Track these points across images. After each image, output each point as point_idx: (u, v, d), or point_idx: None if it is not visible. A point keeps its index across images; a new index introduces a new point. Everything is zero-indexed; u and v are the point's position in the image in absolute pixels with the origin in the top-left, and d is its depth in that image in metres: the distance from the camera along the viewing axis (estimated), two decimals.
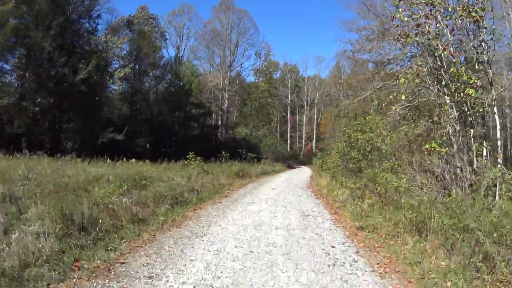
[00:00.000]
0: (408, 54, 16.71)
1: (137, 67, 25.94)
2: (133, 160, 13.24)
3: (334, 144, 17.61)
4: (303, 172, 25.96)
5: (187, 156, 14.47)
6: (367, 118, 10.92)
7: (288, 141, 55.09)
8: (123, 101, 24.98)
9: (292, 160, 45.26)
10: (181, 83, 27.09)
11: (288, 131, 55.53)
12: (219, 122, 35.10)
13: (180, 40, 36.24)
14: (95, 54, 20.86)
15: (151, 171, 12.03)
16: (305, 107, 55.26)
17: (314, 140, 53.16)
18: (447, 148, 7.94)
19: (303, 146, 53.41)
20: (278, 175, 21.66)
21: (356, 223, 6.64)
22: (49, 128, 21.33)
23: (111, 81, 21.45)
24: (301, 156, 49.72)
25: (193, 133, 28.73)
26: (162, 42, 32.98)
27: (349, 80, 44.25)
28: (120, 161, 14.79)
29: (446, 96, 8.72)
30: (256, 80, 36.58)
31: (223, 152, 16.67)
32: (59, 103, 21.26)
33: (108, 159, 14.51)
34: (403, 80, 8.60)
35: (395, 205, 7.20)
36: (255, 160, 22.32)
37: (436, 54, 8.89)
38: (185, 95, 26.93)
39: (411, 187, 7.76)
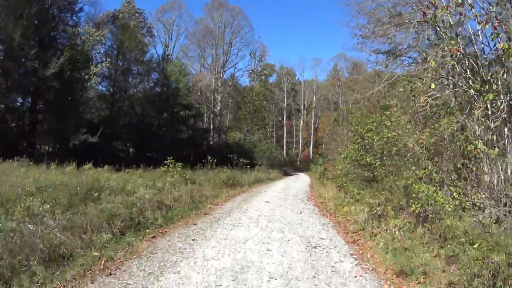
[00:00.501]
0: (425, 42, 14.38)
1: (120, 63, 23.63)
2: (89, 165, 10.82)
3: (340, 148, 15.39)
4: (301, 180, 23.64)
5: (165, 162, 12.10)
6: (387, 113, 8.66)
7: (284, 147, 52.80)
8: (102, 101, 22.59)
9: (288, 167, 42.97)
10: (168, 83, 24.77)
11: (284, 136, 53.32)
12: (211, 126, 32.77)
13: (169, 38, 34.04)
14: (68, 46, 18.54)
15: (115, 179, 9.68)
16: (302, 112, 53.19)
17: (311, 146, 51.03)
18: (495, 150, 5.77)
19: (300, 152, 51.20)
20: (273, 183, 19.33)
21: (392, 264, 4.33)
22: (22, 130, 18.97)
23: (87, 77, 19.04)
24: (298, 163, 47.49)
25: (182, 137, 26.33)
26: (150, 39, 30.73)
27: (349, 82, 42.29)
28: (91, 166, 12.50)
29: (486, 86, 6.65)
30: (251, 82, 34.40)
31: (209, 158, 14.31)
32: (32, 102, 18.97)
33: (76, 164, 12.19)
34: (433, 62, 6.55)
35: (443, 231, 4.94)
36: (248, 166, 20.01)
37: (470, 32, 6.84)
38: (172, 95, 24.60)
39: (462, 205, 5.52)
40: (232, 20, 34.79)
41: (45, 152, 20.99)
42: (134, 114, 24.27)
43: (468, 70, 7.20)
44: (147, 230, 5.95)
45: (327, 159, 21.96)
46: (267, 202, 10.11)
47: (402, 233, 5.43)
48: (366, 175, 8.86)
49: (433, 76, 7.65)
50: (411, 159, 6.94)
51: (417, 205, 5.79)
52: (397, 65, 13.18)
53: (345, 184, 10.19)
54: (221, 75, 34.42)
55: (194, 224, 6.47)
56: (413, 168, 6.87)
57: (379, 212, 6.81)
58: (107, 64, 20.64)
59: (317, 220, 7.40)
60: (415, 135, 7.29)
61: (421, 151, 6.31)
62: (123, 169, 14.02)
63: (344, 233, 6.20)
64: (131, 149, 24.75)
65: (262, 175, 21.42)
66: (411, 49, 13.07)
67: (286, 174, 30.20)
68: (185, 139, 26.57)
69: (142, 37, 26.85)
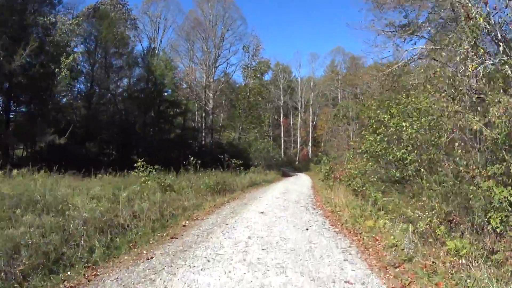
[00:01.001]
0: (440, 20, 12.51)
1: (99, 57, 21.34)
2: (15, 171, 8.57)
3: (353, 142, 13.22)
4: (302, 181, 21.42)
5: (135, 165, 9.84)
6: (416, 94, 6.44)
7: (282, 146, 50.61)
8: (78, 98, 20.28)
9: (287, 167, 40.77)
10: (154, 78, 22.49)
11: (282, 135, 51.13)
12: (203, 125, 30.51)
13: (155, 31, 31.77)
14: (36, 37, 16.31)
15: (66, 188, 7.42)
16: (300, 109, 51.01)
17: (310, 145, 48.88)
18: None
19: (298, 151, 49.02)
20: (270, 186, 17.13)
21: None
22: None
23: (57, 70, 16.73)
24: (297, 162, 45.31)
25: (169, 137, 24.03)
26: (135, 33, 28.46)
27: (348, 76, 40.21)
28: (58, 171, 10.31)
29: None
30: (245, 78, 32.09)
31: (192, 159, 12.03)
32: (4, 100, 16.84)
33: (44, 169, 10.02)
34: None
35: None
36: (242, 168, 17.75)
37: None
38: (158, 92, 22.33)
39: None
40: (223, 13, 32.58)
41: (20, 156, 18.77)
42: (116, 112, 21.97)
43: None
44: (68, 273, 3.69)
45: (331, 157, 19.74)
46: (262, 213, 7.87)
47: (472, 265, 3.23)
48: (394, 174, 6.62)
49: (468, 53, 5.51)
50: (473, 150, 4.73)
51: (498, 220, 3.61)
52: (412, 43, 11.10)
53: (363, 188, 7.95)
54: (213, 70, 32.16)
55: (148, 259, 4.21)
56: (470, 162, 4.69)
57: (423, 228, 4.61)
58: (81, 56, 18.34)
59: (333, 242, 5.16)
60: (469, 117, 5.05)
61: (494, 135, 4.08)
62: (93, 174, 11.77)
63: (380, 269, 3.96)
64: (113, 151, 22.44)
65: (258, 177, 19.19)
66: (426, 25, 10.99)
67: (285, 175, 27.98)
68: (173, 140, 24.28)
69: (125, 30, 24.59)
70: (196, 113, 32.36)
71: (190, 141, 26.16)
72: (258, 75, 57.76)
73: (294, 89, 53.68)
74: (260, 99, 33.90)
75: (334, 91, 47.03)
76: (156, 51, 26.80)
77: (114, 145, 21.98)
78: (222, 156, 16.11)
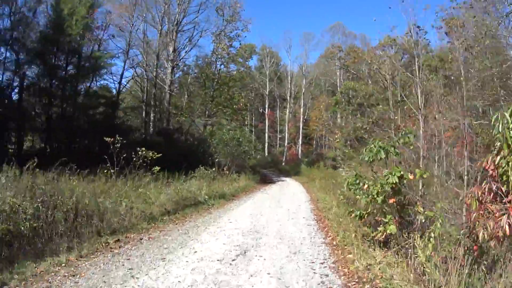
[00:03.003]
0: None
1: None
2: None
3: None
4: (291, 194, 12.77)
5: None
6: None
7: (266, 144, 42.02)
8: None
9: (270, 169, 32.15)
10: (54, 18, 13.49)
11: (266, 130, 42.56)
12: (153, 108, 21.59)
13: None
14: None
15: None
16: (288, 100, 42.45)
17: (299, 143, 40.31)
18: None
19: (286, 150, 40.40)
20: (234, 206, 8.60)
21: None
22: None
23: None
24: (283, 163, 36.71)
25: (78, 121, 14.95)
26: None
27: (352, 50, 31.89)
28: None
29: None
30: (215, 49, 22.87)
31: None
32: None
33: None
34: None
35: None
36: (186, 171, 9.14)
37: None
38: (55, 36, 13.27)
39: None
40: None
41: None
42: None
43: None
44: None
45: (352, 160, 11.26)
46: None
47: None
48: None
49: None
50: None
51: None
52: None
53: None
54: (174, 36, 23.15)
55: None
56: None
57: None
58: None
59: None
60: None
61: None
62: None
63: None
64: None
65: (218, 188, 10.55)
66: None
67: (266, 180, 19.32)
68: (96, 122, 15.29)
69: None
70: (145, 88, 23.39)
71: (128, 129, 17.20)
72: (240, 60, 48.52)
73: (282, 76, 45.26)
74: (237, 82, 24.92)
75: (332, 77, 38.62)
76: None
77: None
78: (135, 154, 7.36)
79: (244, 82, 32.25)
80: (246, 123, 49.98)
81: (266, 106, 43.73)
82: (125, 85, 22.56)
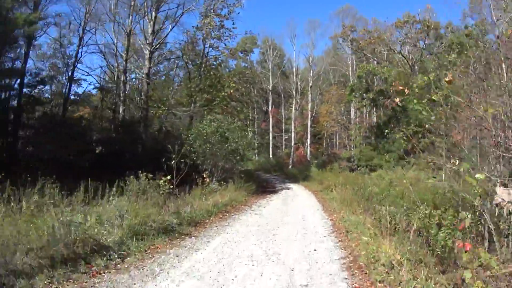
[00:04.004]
0: None
1: None
2: None
3: None
4: (302, 218, 7.99)
5: None
6: None
7: (271, 144, 37.56)
8: None
9: (275, 174, 27.54)
10: None
11: (270, 130, 38.03)
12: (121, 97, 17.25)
13: None
14: None
15: None
16: (294, 95, 37.74)
17: (308, 143, 35.39)
18: None
19: (293, 151, 35.61)
20: (167, 261, 3.70)
21: None
22: None
23: None
24: (290, 166, 31.94)
25: None
26: None
27: (367, 31, 26.92)
28: None
29: None
30: (201, 26, 18.41)
31: None
32: None
33: None
34: None
35: None
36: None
37: None
38: None
39: None
40: None
41: None
42: None
43: None
44: None
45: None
46: None
47: None
48: None
49: None
50: None
51: None
52: None
53: None
54: (153, 15, 18.77)
55: None
56: None
57: None
58: None
59: None
60: None
61: None
62: None
63: None
64: None
65: (144, 213, 5.99)
66: None
67: (266, 189, 14.73)
68: None
69: None
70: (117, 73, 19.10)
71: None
72: (240, 54, 44.26)
73: (287, 72, 40.80)
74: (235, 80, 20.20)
75: (342, 67, 33.84)
76: None
77: None
78: None
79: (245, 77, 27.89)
80: (247, 123, 45.77)
81: (270, 103, 39.23)
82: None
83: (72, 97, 18.23)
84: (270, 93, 38.73)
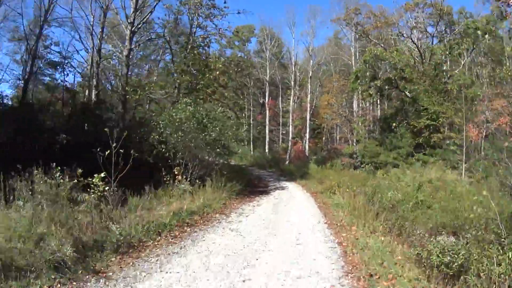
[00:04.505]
0: None
1: None
2: None
3: None
4: (295, 241, 5.53)
5: None
6: None
7: (267, 138, 35.25)
8: None
9: (270, 170, 25.26)
10: None
11: (267, 123, 35.63)
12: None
13: None
14: None
15: None
16: (292, 86, 35.26)
17: (307, 137, 33.00)
18: None
19: (290, 145, 33.23)
20: None
21: None
22: None
23: None
24: (287, 162, 29.58)
25: None
26: None
27: (373, 14, 24.22)
28: None
29: None
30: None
31: None
32: None
33: None
34: None
35: None
36: None
37: None
38: None
39: None
40: None
41: None
42: None
43: None
44: None
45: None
46: None
47: None
48: None
49: None
50: None
51: None
52: None
53: None
54: None
55: None
56: None
57: None
58: None
59: None
60: None
61: None
62: None
63: None
64: None
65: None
66: None
67: (255, 189, 12.43)
68: None
69: None
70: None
71: None
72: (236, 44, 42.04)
73: (286, 63, 38.38)
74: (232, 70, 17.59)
75: (344, 56, 31.41)
76: None
77: None
78: None
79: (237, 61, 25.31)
80: (243, 114, 43.35)
81: (267, 94, 36.76)
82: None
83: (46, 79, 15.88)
84: (267, 84, 36.31)
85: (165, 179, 8.36)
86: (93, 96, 15.49)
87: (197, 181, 8.94)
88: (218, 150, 9.50)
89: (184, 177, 8.92)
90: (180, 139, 9.02)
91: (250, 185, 13.31)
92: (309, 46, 33.88)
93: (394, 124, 20.10)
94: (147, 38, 16.73)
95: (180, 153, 9.03)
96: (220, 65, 13.68)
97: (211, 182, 8.89)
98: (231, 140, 10.56)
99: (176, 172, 8.80)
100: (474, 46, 21.44)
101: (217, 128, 9.48)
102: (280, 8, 63.06)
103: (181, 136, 8.79)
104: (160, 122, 9.54)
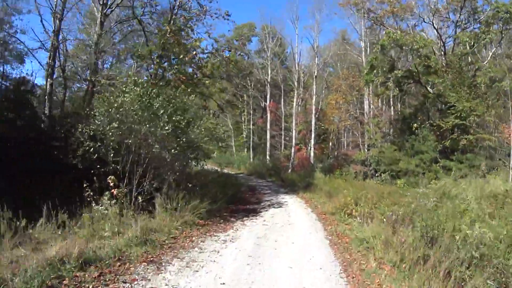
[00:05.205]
0: None
1: None
2: None
3: None
4: None
5: None
6: None
7: (268, 144, 32.15)
8: None
9: (268, 179, 22.13)
10: None
11: (268, 127, 32.54)
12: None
13: None
14: None
15: None
16: (296, 87, 32.15)
17: (312, 143, 29.70)
18: None
19: (293, 152, 29.95)
20: None
21: None
22: None
23: None
24: (289, 171, 26.29)
25: None
26: None
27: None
28: None
29: None
30: None
31: None
32: None
33: None
34: None
35: None
36: None
37: None
38: None
39: None
40: None
41: None
42: None
43: None
44: None
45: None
46: None
47: None
48: None
49: None
50: None
51: None
52: None
53: None
54: None
55: None
56: None
57: None
58: None
59: None
60: None
61: None
62: None
63: None
64: None
65: None
66: None
67: (240, 208, 9.28)
68: None
69: None
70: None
71: None
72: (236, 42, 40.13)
73: (288, 61, 35.57)
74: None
75: (352, 51, 28.37)
76: None
77: None
78: None
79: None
80: (242, 118, 40.38)
81: (268, 96, 33.70)
82: None
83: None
84: (268, 85, 33.32)
85: (87, 193, 5.29)
86: (47, 87, 12.53)
87: (142, 197, 5.80)
88: (175, 151, 6.30)
89: (125, 190, 5.80)
90: (119, 132, 5.92)
91: (238, 200, 10.11)
92: (314, 43, 30.86)
93: (415, 125, 16.90)
94: (116, 21, 13.80)
95: (118, 154, 5.92)
96: (198, 44, 10.66)
97: (162, 200, 5.73)
98: (203, 139, 7.40)
99: (110, 182, 5.69)
100: (503, 34, 18.33)
101: (177, 118, 6.34)
102: (282, 2, 60.09)
103: (115, 128, 5.69)
104: (94, 110, 6.46)
